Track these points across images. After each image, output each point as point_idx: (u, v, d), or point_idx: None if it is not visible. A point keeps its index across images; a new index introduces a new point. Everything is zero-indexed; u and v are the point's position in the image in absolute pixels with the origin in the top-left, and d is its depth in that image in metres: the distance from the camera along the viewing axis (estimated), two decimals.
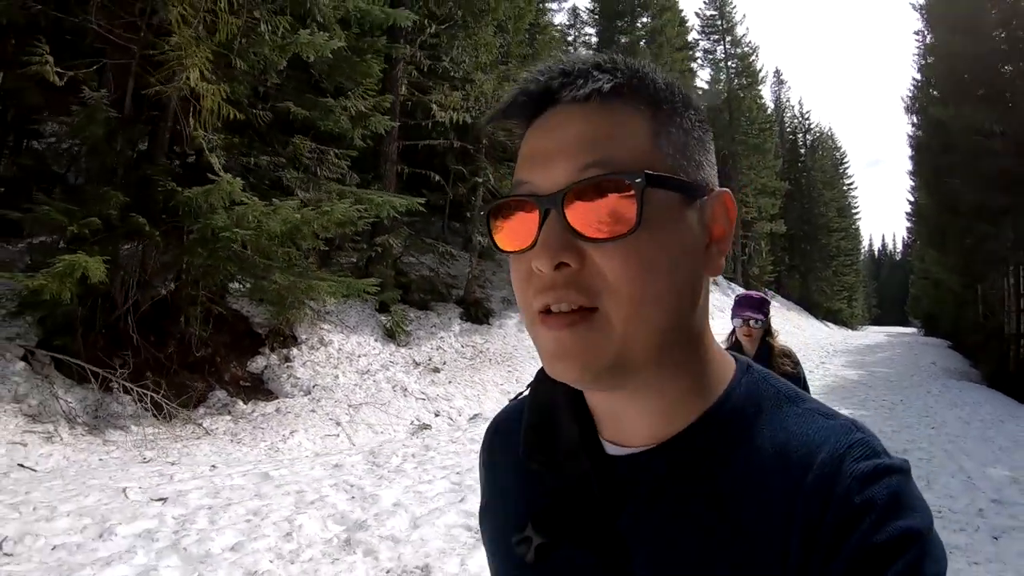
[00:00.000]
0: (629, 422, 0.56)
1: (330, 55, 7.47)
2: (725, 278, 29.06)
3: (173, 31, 6.59)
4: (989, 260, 15.42)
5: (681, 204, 0.51)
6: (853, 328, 38.57)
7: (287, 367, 8.62)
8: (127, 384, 6.67)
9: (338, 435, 7.13)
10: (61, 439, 5.79)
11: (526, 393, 0.67)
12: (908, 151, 21.41)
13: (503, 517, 0.64)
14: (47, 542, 3.46)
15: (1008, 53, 14.49)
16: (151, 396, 6.77)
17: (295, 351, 9.01)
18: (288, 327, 9.14)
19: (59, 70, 6.36)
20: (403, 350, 10.28)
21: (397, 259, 12.16)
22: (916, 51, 18.50)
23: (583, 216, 0.49)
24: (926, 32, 17.64)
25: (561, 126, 0.51)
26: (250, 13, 6.91)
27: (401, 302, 11.14)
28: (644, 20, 25.94)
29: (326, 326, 9.74)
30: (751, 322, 3.31)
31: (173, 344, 7.81)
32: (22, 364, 6.47)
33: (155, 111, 7.62)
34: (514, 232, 0.53)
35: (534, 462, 0.62)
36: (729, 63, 33.79)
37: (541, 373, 0.63)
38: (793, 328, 25.55)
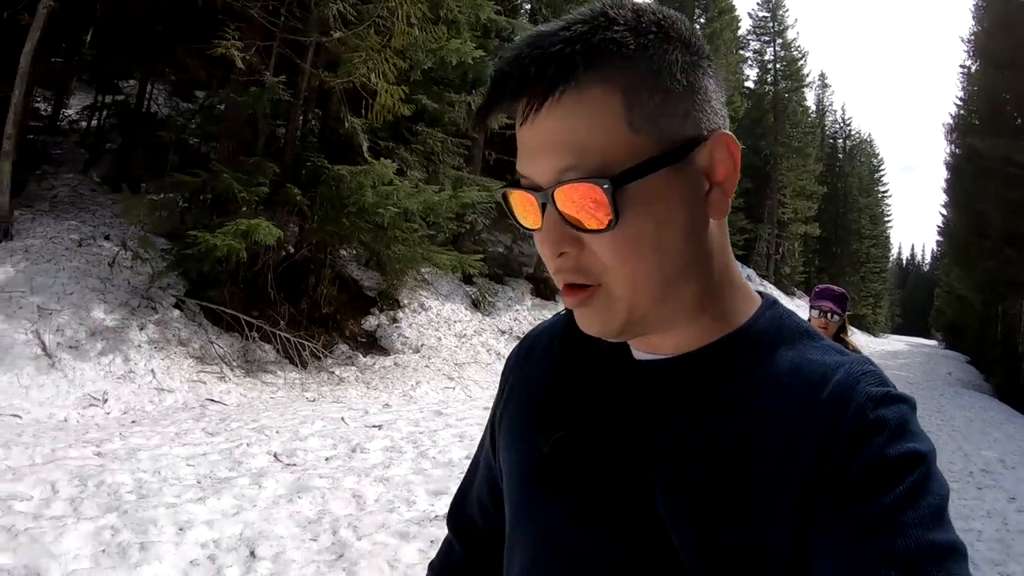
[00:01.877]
0: (656, 341, 0.60)
1: (471, 60, 9.12)
2: (759, 275, 30.49)
3: (331, 28, 8.29)
4: (1011, 282, 16.87)
5: (667, 173, 0.52)
6: (875, 335, 39.65)
7: (395, 327, 10.44)
8: (276, 332, 8.43)
9: (454, 388, 8.96)
10: (229, 379, 7.35)
11: (563, 312, 0.71)
12: (944, 171, 22.74)
13: (526, 411, 0.68)
14: (316, 455, 4.73)
15: None
16: (296, 344, 8.54)
17: (400, 313, 10.84)
18: (395, 292, 10.95)
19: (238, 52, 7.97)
20: (488, 319, 12.08)
21: (478, 235, 13.92)
22: (959, 81, 19.77)
23: (573, 209, 0.52)
24: (971, 64, 18.94)
25: (538, 124, 0.52)
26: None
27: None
28: (702, 21, 26.99)
29: (424, 293, 11.57)
30: (829, 315, 3.21)
31: (305, 301, 9.60)
32: (177, 312, 8.02)
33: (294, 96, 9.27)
34: (525, 214, 0.56)
35: (567, 360, 0.66)
36: (777, 65, 34.76)
37: None
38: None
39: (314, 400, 7.29)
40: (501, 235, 15.14)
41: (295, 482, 3.96)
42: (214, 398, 6.71)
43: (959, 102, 20.15)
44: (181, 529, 3.08)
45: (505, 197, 0.58)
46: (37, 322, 6.71)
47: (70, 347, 6.64)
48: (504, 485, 0.70)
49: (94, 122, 12.11)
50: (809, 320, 3.19)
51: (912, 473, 0.48)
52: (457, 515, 0.82)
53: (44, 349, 6.48)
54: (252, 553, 2.99)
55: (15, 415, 5.34)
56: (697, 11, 26.89)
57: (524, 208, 0.56)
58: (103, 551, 2.85)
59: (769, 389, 0.55)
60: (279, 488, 3.83)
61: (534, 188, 0.54)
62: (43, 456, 4.10)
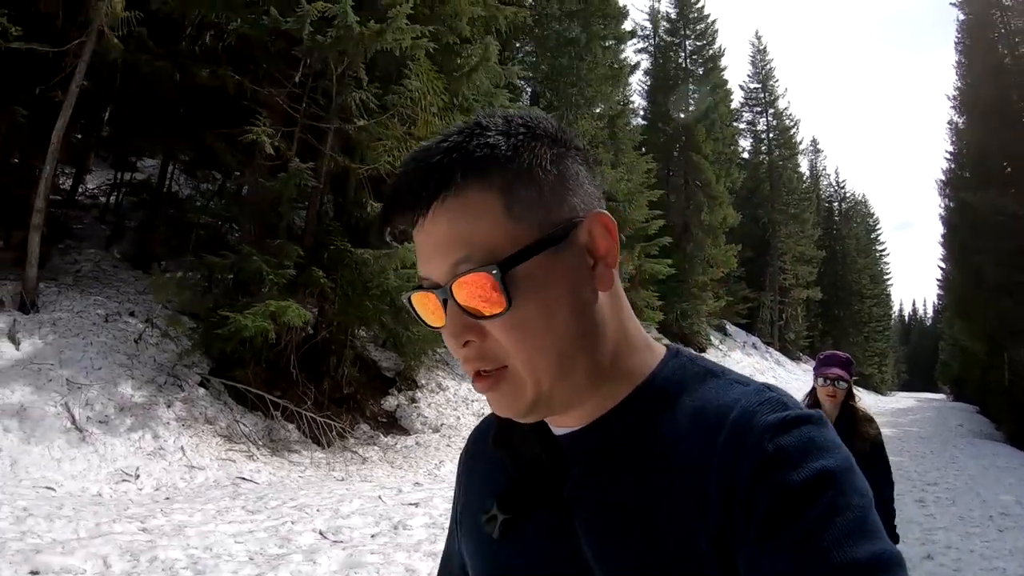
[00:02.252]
0: (567, 415, 0.63)
1: None
2: (763, 342, 30.56)
3: (353, 116, 8.71)
4: (1011, 331, 17.01)
5: (550, 255, 0.56)
6: (883, 393, 39.39)
7: (415, 407, 10.45)
8: (302, 412, 8.50)
9: None
10: (257, 457, 7.41)
11: None
12: (940, 227, 23.27)
13: (478, 506, 0.70)
14: (361, 532, 4.78)
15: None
16: (322, 424, 8.58)
17: (419, 393, 10.89)
18: (413, 372, 11.02)
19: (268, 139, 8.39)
20: None
21: None
22: (948, 136, 20.54)
23: (470, 300, 0.55)
24: (958, 119, 19.75)
25: (428, 227, 0.56)
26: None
27: None
28: (695, 97, 27.97)
29: (440, 373, 11.66)
30: (837, 383, 3.07)
31: (327, 381, 9.67)
32: (203, 390, 8.13)
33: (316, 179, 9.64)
34: (430, 314, 0.59)
35: (499, 448, 0.70)
36: (770, 134, 35.92)
37: None
38: None
39: (343, 479, 7.30)
40: None
41: (347, 558, 3.99)
42: (245, 476, 6.76)
43: (949, 158, 20.91)
44: None
45: (410, 302, 0.61)
46: (67, 395, 6.81)
47: (100, 422, 6.71)
48: (470, 570, 0.73)
49: (113, 198, 12.55)
50: (813, 389, 3.23)
51: (822, 494, 0.48)
52: None
53: (74, 422, 6.55)
54: None
55: (49, 488, 5.38)
56: (692, 86, 28.00)
57: (428, 308, 0.59)
58: None
59: (675, 437, 0.57)
60: (332, 564, 3.86)
61: (434, 287, 0.57)
62: (87, 530, 4.14)
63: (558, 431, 0.65)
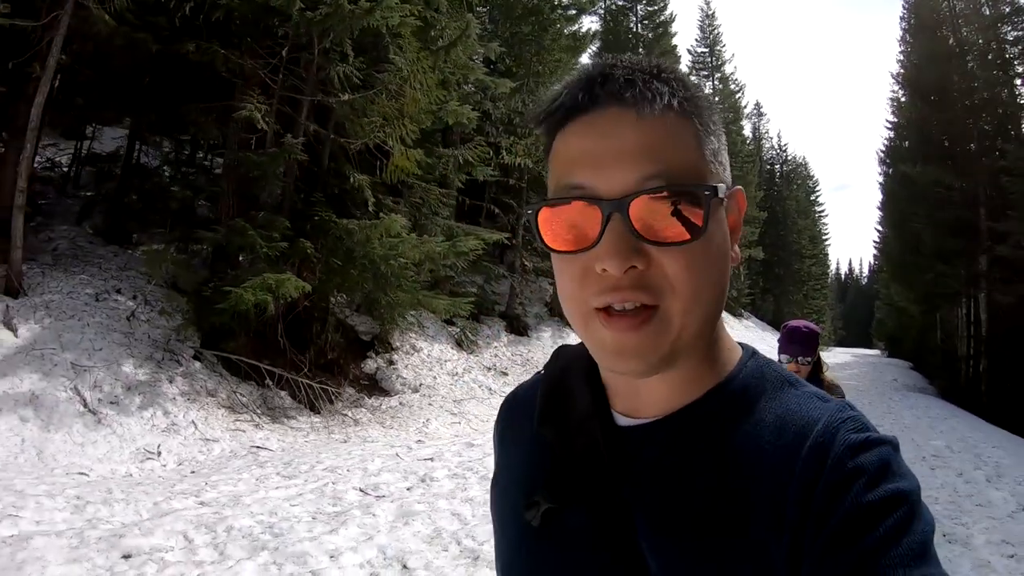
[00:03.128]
0: (646, 397, 0.60)
1: (466, 120, 9.76)
2: None
3: (337, 90, 8.78)
4: (945, 294, 18.47)
5: (720, 207, 0.56)
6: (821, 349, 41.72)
7: (393, 369, 10.83)
8: (298, 379, 8.74)
9: (459, 423, 9.40)
10: (263, 426, 7.67)
11: (542, 371, 0.72)
12: (879, 194, 24.68)
13: (513, 485, 0.68)
14: (397, 487, 5.15)
15: (964, 119, 17.55)
16: (319, 390, 8.86)
17: (396, 356, 11.24)
18: (388, 335, 11.35)
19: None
20: (473, 357, 12.59)
21: (453, 278, 14.46)
22: (890, 110, 21.69)
23: (648, 221, 0.52)
24: (900, 95, 20.88)
25: (618, 133, 0.53)
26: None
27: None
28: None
29: (413, 335, 11.99)
30: (801, 359, 3.12)
31: (313, 348, 9.91)
32: (198, 363, 8.29)
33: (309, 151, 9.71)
34: (571, 233, 0.55)
35: (547, 430, 0.66)
36: (716, 99, 36.73)
37: (559, 349, 0.70)
38: (768, 348, 28.38)
39: (345, 441, 7.62)
40: (474, 276, 15.76)
41: (399, 509, 4.40)
42: (258, 445, 6.99)
43: (890, 128, 22.16)
44: (333, 556, 3.49)
45: (539, 214, 0.56)
46: (75, 379, 6.87)
47: (111, 403, 6.82)
48: (495, 547, 0.70)
49: (72, 171, 12.25)
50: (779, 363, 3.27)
51: (893, 514, 0.49)
52: None
53: (86, 405, 6.65)
54: (405, 566, 3.44)
55: (82, 473, 5.54)
56: (641, 51, 28.30)
57: (573, 224, 0.55)
58: None
59: (754, 445, 0.55)
60: (389, 515, 4.27)
61: (597, 199, 0.53)
62: (148, 511, 4.39)
63: (624, 421, 0.62)
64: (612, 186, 0.52)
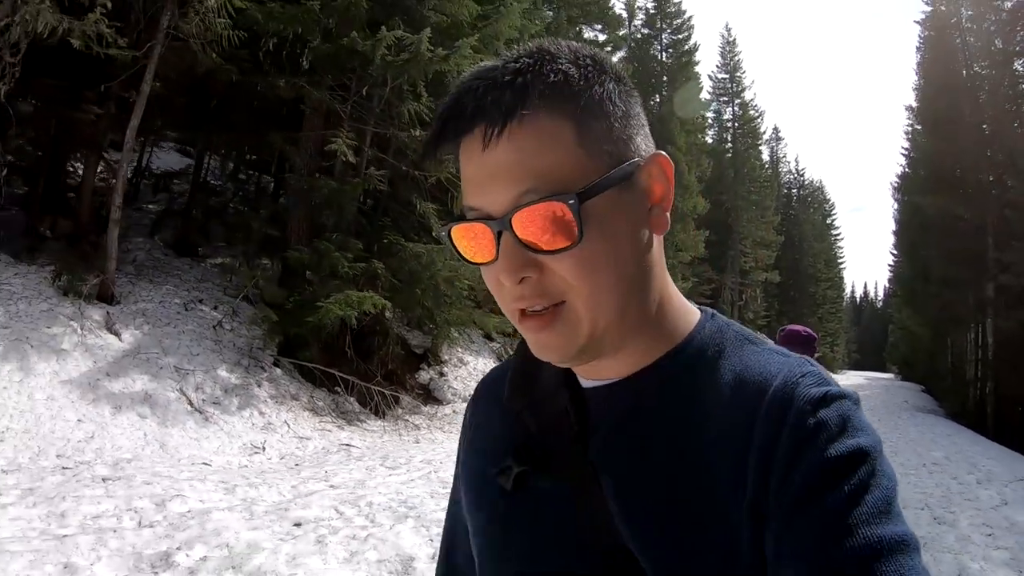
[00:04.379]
0: (603, 366, 0.61)
1: None
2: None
3: (404, 124, 9.80)
4: (953, 319, 19.33)
5: (617, 191, 0.55)
6: (834, 371, 42.22)
7: (444, 380, 11.76)
8: (370, 387, 9.72)
9: None
10: (343, 427, 8.61)
11: (512, 356, 0.74)
12: (893, 222, 25.62)
13: (485, 458, 0.70)
14: None
15: (974, 152, 18.49)
16: (389, 397, 9.83)
17: (445, 368, 12.19)
18: (439, 349, 12.29)
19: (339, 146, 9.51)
20: None
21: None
22: (905, 141, 22.71)
23: (532, 233, 0.53)
24: (914, 128, 21.87)
25: (487, 155, 0.54)
26: None
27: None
28: (666, 92, 29.25)
29: (460, 349, 12.95)
30: None
31: (376, 359, 10.87)
32: (279, 370, 9.28)
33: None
34: (476, 248, 0.57)
35: (517, 401, 0.68)
36: (736, 124, 37.58)
37: None
38: None
39: (417, 442, 8.58)
40: None
41: None
42: (346, 443, 7.94)
43: (904, 162, 23.21)
44: None
45: (450, 235, 0.58)
46: (180, 381, 7.84)
47: (213, 403, 7.78)
48: (470, 528, 0.72)
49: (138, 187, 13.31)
50: None
51: (856, 471, 0.50)
52: (445, 569, 0.82)
53: (191, 405, 7.61)
54: None
55: (206, 463, 6.46)
56: (665, 79, 29.32)
57: (475, 241, 0.57)
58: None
59: (713, 403, 0.57)
60: None
61: (487, 219, 0.55)
62: (291, 491, 5.33)
63: (587, 384, 0.64)
64: (496, 206, 0.54)
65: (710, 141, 37.27)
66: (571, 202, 0.52)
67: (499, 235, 0.55)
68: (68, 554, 3.61)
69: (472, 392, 0.81)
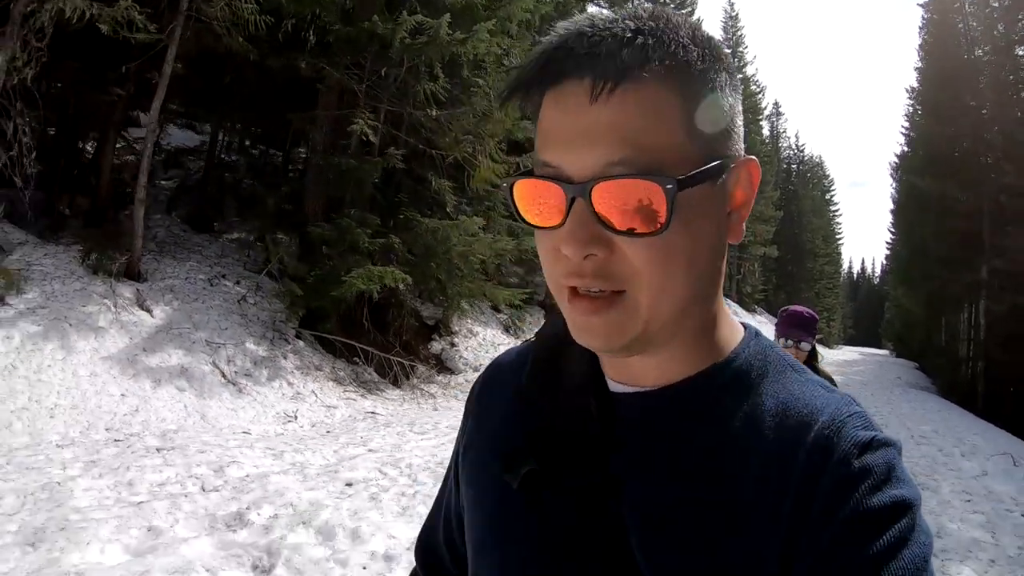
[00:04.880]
0: (638, 369, 0.59)
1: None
2: (723, 294, 33.34)
3: (420, 104, 10.18)
4: (948, 299, 19.95)
5: (709, 187, 0.52)
6: (829, 346, 43.03)
7: (455, 350, 12.31)
8: (389, 357, 10.26)
9: None
10: (366, 396, 9.14)
11: (534, 337, 0.71)
12: (891, 199, 26.12)
13: (492, 446, 0.66)
14: None
15: (973, 136, 18.92)
16: (407, 366, 10.37)
17: (456, 339, 12.72)
18: (449, 320, 12.81)
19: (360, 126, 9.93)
20: (519, 341, 14.07)
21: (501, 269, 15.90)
22: (905, 125, 23.13)
23: (612, 209, 0.49)
24: (914, 109, 22.27)
25: (585, 110, 0.49)
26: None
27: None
28: None
29: (468, 320, 13.46)
30: (801, 344, 3.11)
31: (392, 331, 11.38)
32: (301, 342, 9.82)
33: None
34: (541, 208, 0.53)
35: (537, 393, 0.65)
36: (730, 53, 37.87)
37: (553, 315, 0.65)
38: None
39: (436, 410, 9.14)
40: (516, 268, 17.18)
41: None
42: (371, 411, 8.47)
43: (904, 141, 23.68)
44: None
45: (512, 188, 0.55)
46: (212, 355, 8.32)
47: (245, 375, 8.28)
48: (467, 520, 0.69)
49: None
50: None
51: (896, 523, 0.48)
52: (424, 550, 0.81)
53: (225, 377, 8.10)
54: None
55: (246, 432, 6.98)
56: None
57: (541, 202, 0.53)
58: None
59: (753, 429, 0.54)
60: None
61: (563, 180, 0.51)
62: (334, 455, 5.85)
63: (617, 387, 0.61)
64: (578, 168, 0.50)
65: None
66: (669, 187, 0.48)
67: (572, 201, 0.50)
68: (148, 518, 4.07)
69: (482, 371, 0.77)
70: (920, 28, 21.90)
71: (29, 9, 7.86)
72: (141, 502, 4.37)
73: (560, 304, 0.56)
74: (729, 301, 32.41)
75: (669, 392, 0.58)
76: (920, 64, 21.99)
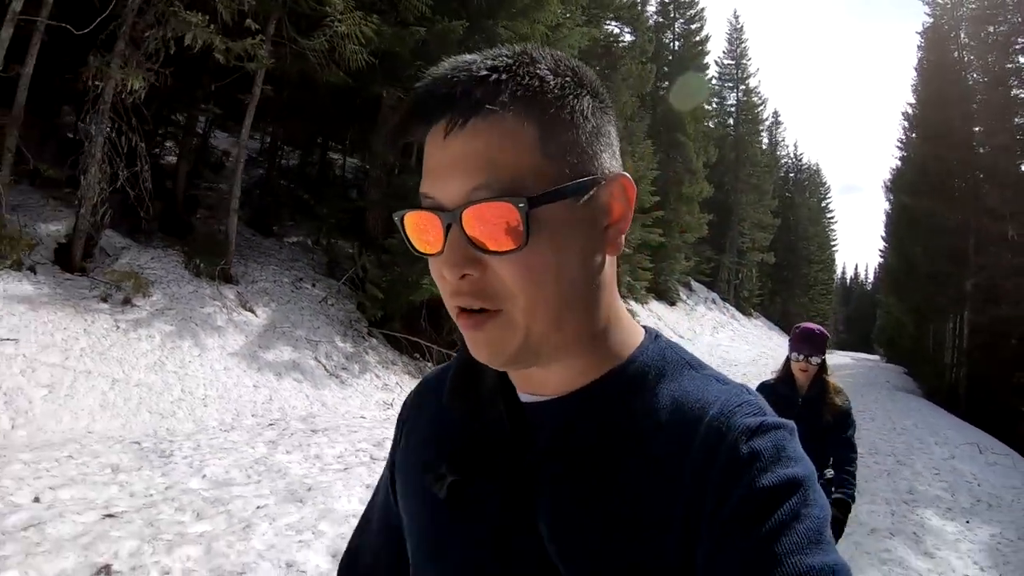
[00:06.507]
0: (539, 380, 0.64)
1: None
2: (721, 298, 35.44)
3: None
4: (935, 309, 22.22)
5: (572, 204, 0.57)
6: None
7: None
8: (451, 353, 12.00)
9: None
10: None
11: (455, 355, 0.76)
12: (886, 212, 28.48)
13: (421, 460, 0.72)
14: None
15: (962, 160, 21.10)
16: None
17: None
18: None
19: None
20: None
21: None
22: (899, 143, 25.45)
23: (480, 231, 0.55)
24: (909, 134, 24.56)
25: (449, 144, 0.56)
26: None
27: None
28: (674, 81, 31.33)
29: None
30: (811, 359, 3.39)
31: (444, 329, 13.16)
32: (375, 340, 11.65)
33: None
34: (424, 238, 0.59)
35: (455, 404, 0.71)
36: (739, 110, 40.05)
37: None
38: (775, 346, 31.96)
39: None
40: None
41: None
42: None
43: (899, 156, 26.17)
44: None
45: (402, 222, 0.61)
46: (313, 351, 10.09)
47: (342, 368, 10.05)
48: (405, 530, 0.75)
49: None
50: (787, 360, 3.55)
51: (787, 500, 0.52)
52: (350, 571, 0.85)
53: (327, 370, 9.88)
54: None
55: (362, 416, 8.75)
56: (667, 68, 31.32)
57: (424, 231, 0.59)
58: None
59: (651, 427, 0.59)
60: None
61: (438, 209, 0.57)
62: None
63: (525, 398, 0.66)
64: (449, 197, 0.56)
65: (712, 125, 39.57)
66: (521, 205, 0.53)
67: (448, 228, 0.56)
68: (361, 479, 5.29)
69: (413, 388, 0.84)
70: (918, 54, 24.19)
71: (146, 34, 9.10)
72: (344, 468, 5.69)
73: (456, 323, 0.61)
74: (727, 305, 34.61)
75: (569, 399, 0.63)
76: (916, 88, 24.22)
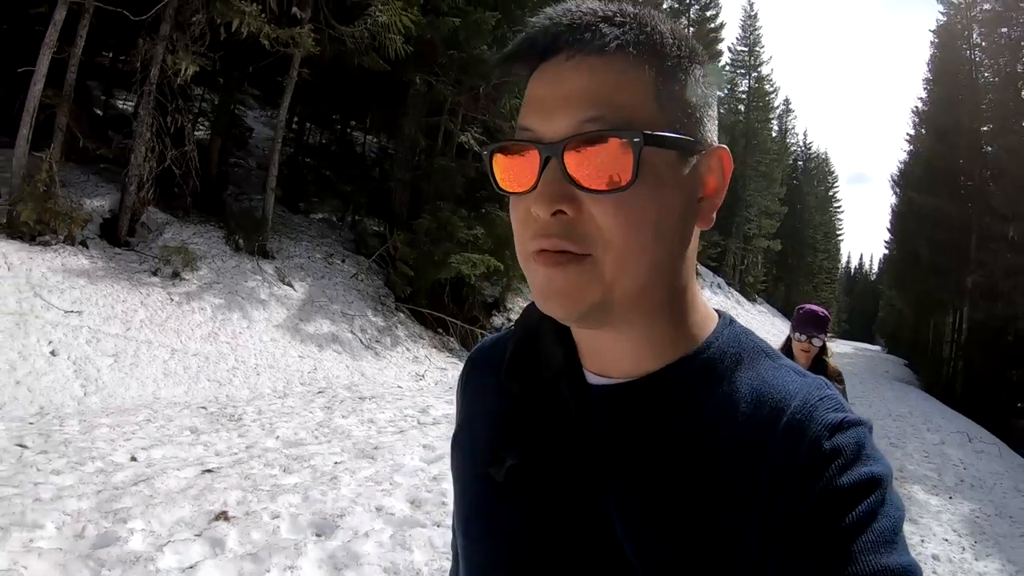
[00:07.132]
0: (611, 356, 0.62)
1: None
2: (727, 283, 36.23)
3: (508, 116, 12.69)
4: (936, 304, 23.08)
5: (677, 160, 0.56)
6: None
7: (510, 325, 15.00)
8: (473, 329, 12.87)
9: None
10: (461, 361, 11.49)
11: (512, 326, 0.74)
12: (889, 214, 29.27)
13: (477, 440, 0.71)
14: None
15: (969, 159, 21.80)
16: (482, 337, 12.93)
17: (511, 315, 15.32)
18: (505, 298, 15.43)
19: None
20: None
21: None
22: (907, 140, 26.14)
23: (581, 167, 0.53)
24: (919, 128, 25.23)
25: (564, 77, 0.55)
26: None
27: None
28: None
29: (520, 299, 16.06)
30: (813, 340, 3.48)
31: (468, 306, 13.96)
32: (402, 315, 12.45)
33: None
34: (515, 174, 0.58)
35: (515, 383, 0.68)
36: (751, 97, 40.34)
37: (531, 304, 0.70)
38: (778, 332, 32.81)
39: None
40: None
41: None
42: None
43: (906, 156, 26.90)
44: None
45: (491, 156, 0.60)
46: (349, 324, 10.86)
47: (376, 341, 10.83)
48: (454, 510, 0.74)
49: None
50: (788, 340, 3.66)
51: (866, 499, 0.52)
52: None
53: (363, 343, 10.66)
54: None
55: (399, 386, 9.50)
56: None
57: (516, 167, 0.58)
58: None
59: (727, 417, 0.58)
60: None
61: (538, 142, 0.55)
62: None
63: (593, 379, 0.65)
64: (553, 130, 0.55)
65: (723, 111, 39.99)
66: (636, 140, 0.52)
67: (545, 162, 0.55)
68: (417, 440, 5.90)
69: (466, 361, 0.82)
70: (930, 50, 24.79)
71: (192, 19, 9.58)
72: (399, 431, 6.26)
73: (528, 274, 0.59)
74: (732, 290, 35.39)
75: (643, 384, 0.61)
76: (927, 86, 24.91)
